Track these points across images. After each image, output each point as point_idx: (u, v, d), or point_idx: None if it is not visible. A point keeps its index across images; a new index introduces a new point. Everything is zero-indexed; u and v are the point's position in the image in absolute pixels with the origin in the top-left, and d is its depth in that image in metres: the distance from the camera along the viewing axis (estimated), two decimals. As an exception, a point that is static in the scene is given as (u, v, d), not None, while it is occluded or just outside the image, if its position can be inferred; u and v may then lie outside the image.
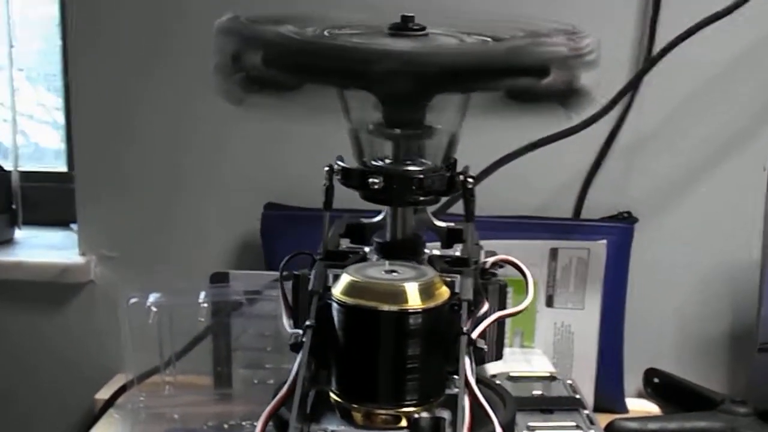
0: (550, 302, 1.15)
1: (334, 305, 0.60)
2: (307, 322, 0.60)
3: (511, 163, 1.14)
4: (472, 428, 0.56)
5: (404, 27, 0.64)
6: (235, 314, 1.10)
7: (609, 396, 1.18)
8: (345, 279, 0.60)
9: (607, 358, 1.16)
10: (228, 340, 1.12)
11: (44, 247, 1.40)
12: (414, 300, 0.59)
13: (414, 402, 0.59)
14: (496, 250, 1.11)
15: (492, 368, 1.05)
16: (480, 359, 0.61)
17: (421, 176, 0.65)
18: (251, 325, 1.11)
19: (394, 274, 0.61)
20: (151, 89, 1.24)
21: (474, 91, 0.65)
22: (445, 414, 0.60)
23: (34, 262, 1.33)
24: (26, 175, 1.50)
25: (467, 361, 0.58)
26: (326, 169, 0.67)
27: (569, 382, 1.03)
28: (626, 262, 1.18)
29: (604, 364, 1.16)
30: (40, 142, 1.62)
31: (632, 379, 1.22)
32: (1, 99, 1.55)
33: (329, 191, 0.67)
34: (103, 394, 1.20)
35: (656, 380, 1.21)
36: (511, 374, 1.04)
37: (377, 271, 0.61)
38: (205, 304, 1.06)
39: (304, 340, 0.60)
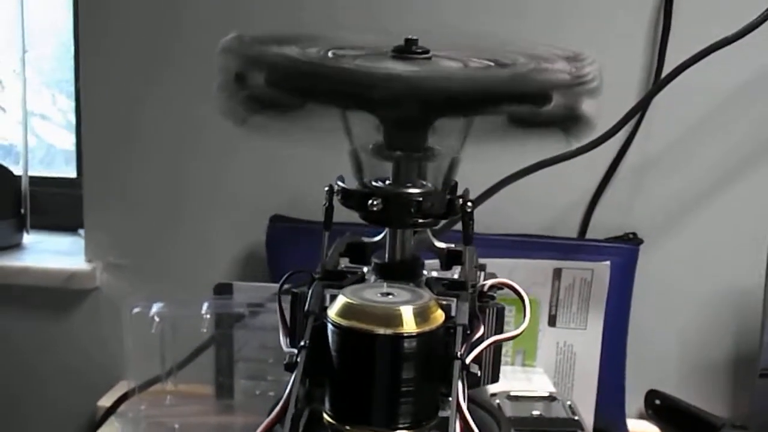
0: (552, 322, 1.15)
1: (329, 327, 0.60)
2: (302, 343, 0.60)
3: (517, 182, 1.14)
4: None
5: (408, 50, 0.64)
6: (237, 325, 1.10)
7: (610, 417, 1.17)
8: (341, 300, 0.60)
9: (608, 379, 1.16)
10: (230, 350, 1.13)
11: (51, 253, 1.41)
12: (409, 324, 0.59)
13: (407, 425, 0.60)
14: (500, 268, 1.11)
15: (492, 387, 1.05)
16: (474, 383, 0.62)
17: (420, 199, 0.65)
18: (254, 336, 1.11)
19: (390, 297, 0.61)
20: (161, 100, 1.25)
21: (475, 115, 0.65)
22: (437, 437, 0.60)
23: (41, 268, 1.34)
24: (36, 180, 1.51)
25: (460, 386, 0.58)
26: (326, 189, 0.67)
27: (569, 403, 1.03)
28: (630, 284, 1.18)
29: (606, 384, 1.16)
30: (55, 144, 1.63)
31: (634, 400, 1.22)
32: (15, 103, 1.57)
33: (329, 211, 0.68)
34: (106, 401, 1.21)
35: (657, 402, 1.21)
36: (511, 393, 1.04)
37: (373, 293, 0.61)
38: (208, 315, 1.07)
39: (298, 360, 0.60)
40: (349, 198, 0.66)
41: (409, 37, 0.65)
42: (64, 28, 1.50)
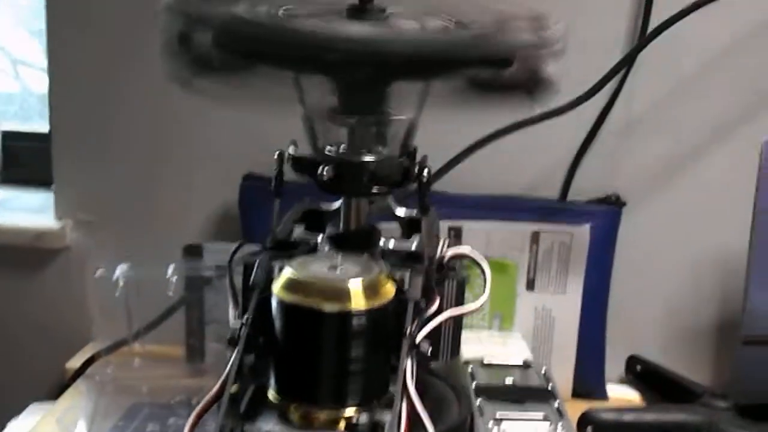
0: (530, 286, 1.12)
1: (274, 301, 0.57)
2: (244, 318, 0.58)
3: (497, 142, 1.11)
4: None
5: (363, 9, 0.61)
6: (207, 288, 1.08)
7: (589, 382, 1.15)
8: (285, 274, 0.58)
9: (588, 344, 1.14)
10: (201, 313, 1.10)
11: (22, 210, 1.37)
12: (357, 299, 0.56)
13: (355, 403, 0.57)
14: (476, 232, 1.09)
15: (467, 352, 1.03)
16: (425, 361, 0.59)
17: (373, 167, 0.62)
18: (224, 298, 1.08)
19: (338, 270, 0.58)
20: (133, 55, 1.21)
21: (435, 79, 0.62)
22: (386, 416, 0.58)
23: (9, 226, 1.31)
24: (8, 134, 1.49)
25: (408, 365, 0.56)
26: (276, 155, 0.64)
27: (543, 370, 1.00)
28: (612, 247, 1.15)
29: (585, 349, 1.14)
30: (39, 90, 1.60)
31: (615, 366, 1.19)
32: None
33: (279, 178, 0.65)
34: (74, 362, 1.18)
35: (638, 368, 1.19)
36: (485, 360, 1.02)
37: (321, 266, 0.58)
38: (175, 278, 1.04)
39: (240, 335, 0.58)
40: (300, 165, 0.64)
41: (365, -7, 0.61)
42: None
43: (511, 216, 1.11)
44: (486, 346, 1.08)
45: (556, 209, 1.14)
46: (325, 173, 0.61)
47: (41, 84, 1.53)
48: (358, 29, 0.60)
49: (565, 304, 1.12)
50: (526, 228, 1.10)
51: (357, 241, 0.65)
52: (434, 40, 0.60)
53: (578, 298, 1.12)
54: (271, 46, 0.57)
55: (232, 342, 0.58)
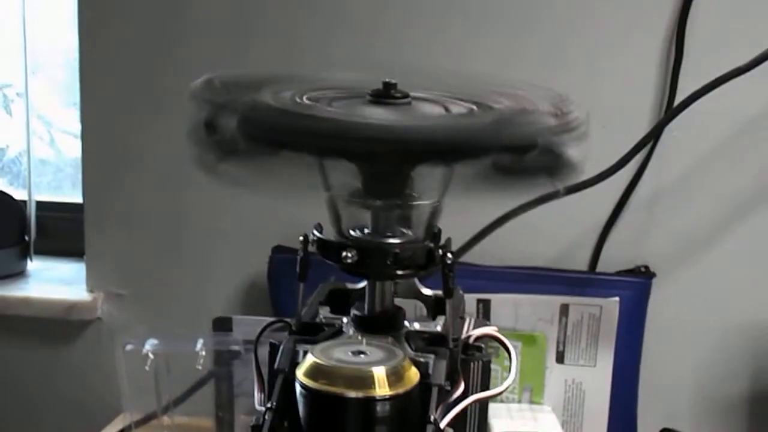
0: (560, 358, 1.11)
1: (298, 387, 0.57)
2: (268, 404, 0.58)
3: (526, 214, 1.11)
4: None
5: (386, 94, 0.62)
6: (237, 361, 1.08)
7: (621, 456, 1.14)
8: (309, 360, 0.58)
9: (619, 417, 1.13)
10: (230, 385, 1.10)
11: (54, 281, 1.39)
12: (381, 386, 0.56)
13: (380, 490, 0.57)
14: (505, 304, 1.09)
15: (497, 426, 1.02)
16: (450, 447, 0.59)
17: (397, 250, 0.62)
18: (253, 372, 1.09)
19: (362, 356, 0.58)
20: (162, 129, 1.23)
21: (458, 165, 0.62)
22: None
23: (42, 298, 1.32)
24: (42, 204, 1.50)
25: (433, 452, 0.56)
26: (300, 239, 0.65)
27: (573, 446, 1.00)
28: (642, 318, 1.14)
29: (617, 422, 1.12)
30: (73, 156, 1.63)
31: (647, 438, 1.18)
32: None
33: (304, 262, 0.65)
34: (105, 435, 1.19)
35: (671, 441, 1.18)
36: (515, 435, 1.01)
37: (344, 352, 0.59)
38: (203, 352, 1.04)
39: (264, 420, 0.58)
40: (325, 249, 0.64)
41: (388, 80, 0.62)
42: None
43: (539, 288, 1.11)
44: (516, 420, 1.07)
45: (585, 281, 1.13)
46: (349, 257, 0.61)
47: (75, 149, 1.55)
48: (380, 117, 0.60)
49: (595, 377, 1.11)
50: (555, 300, 1.10)
51: (382, 324, 0.65)
52: (456, 128, 0.60)
53: (609, 371, 1.11)
54: (295, 134, 0.57)
55: (256, 430, 0.58)
